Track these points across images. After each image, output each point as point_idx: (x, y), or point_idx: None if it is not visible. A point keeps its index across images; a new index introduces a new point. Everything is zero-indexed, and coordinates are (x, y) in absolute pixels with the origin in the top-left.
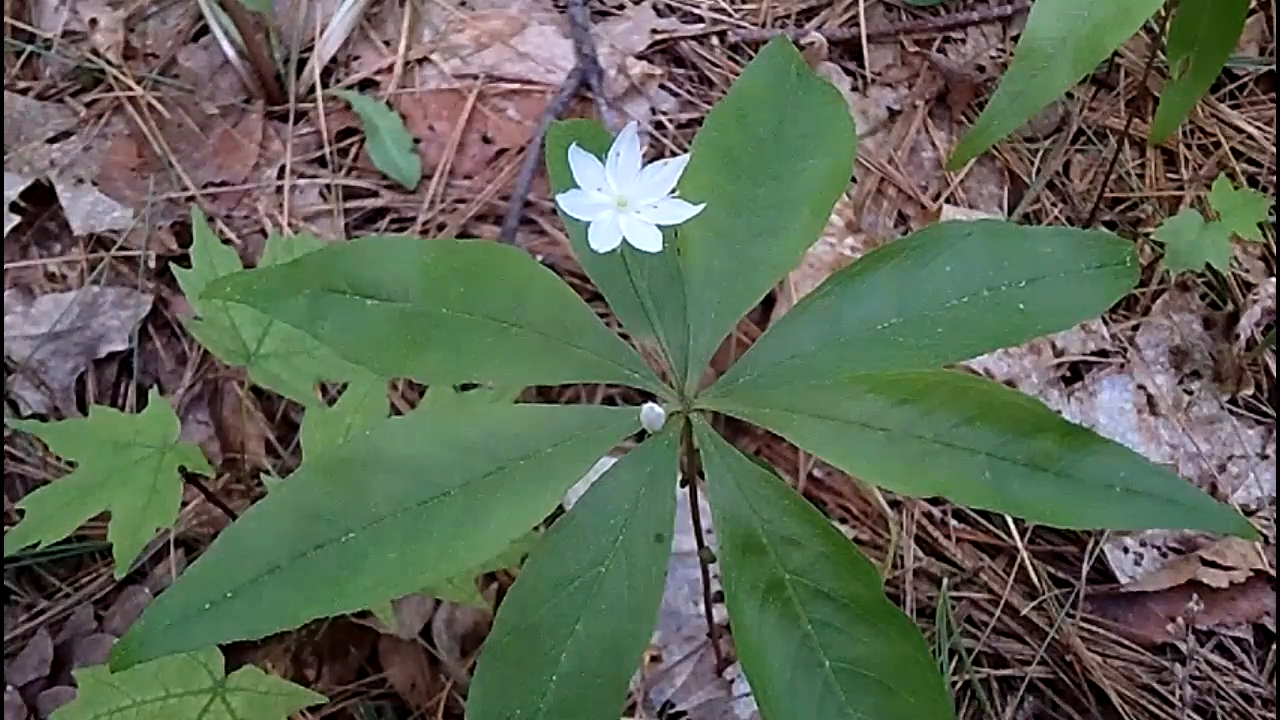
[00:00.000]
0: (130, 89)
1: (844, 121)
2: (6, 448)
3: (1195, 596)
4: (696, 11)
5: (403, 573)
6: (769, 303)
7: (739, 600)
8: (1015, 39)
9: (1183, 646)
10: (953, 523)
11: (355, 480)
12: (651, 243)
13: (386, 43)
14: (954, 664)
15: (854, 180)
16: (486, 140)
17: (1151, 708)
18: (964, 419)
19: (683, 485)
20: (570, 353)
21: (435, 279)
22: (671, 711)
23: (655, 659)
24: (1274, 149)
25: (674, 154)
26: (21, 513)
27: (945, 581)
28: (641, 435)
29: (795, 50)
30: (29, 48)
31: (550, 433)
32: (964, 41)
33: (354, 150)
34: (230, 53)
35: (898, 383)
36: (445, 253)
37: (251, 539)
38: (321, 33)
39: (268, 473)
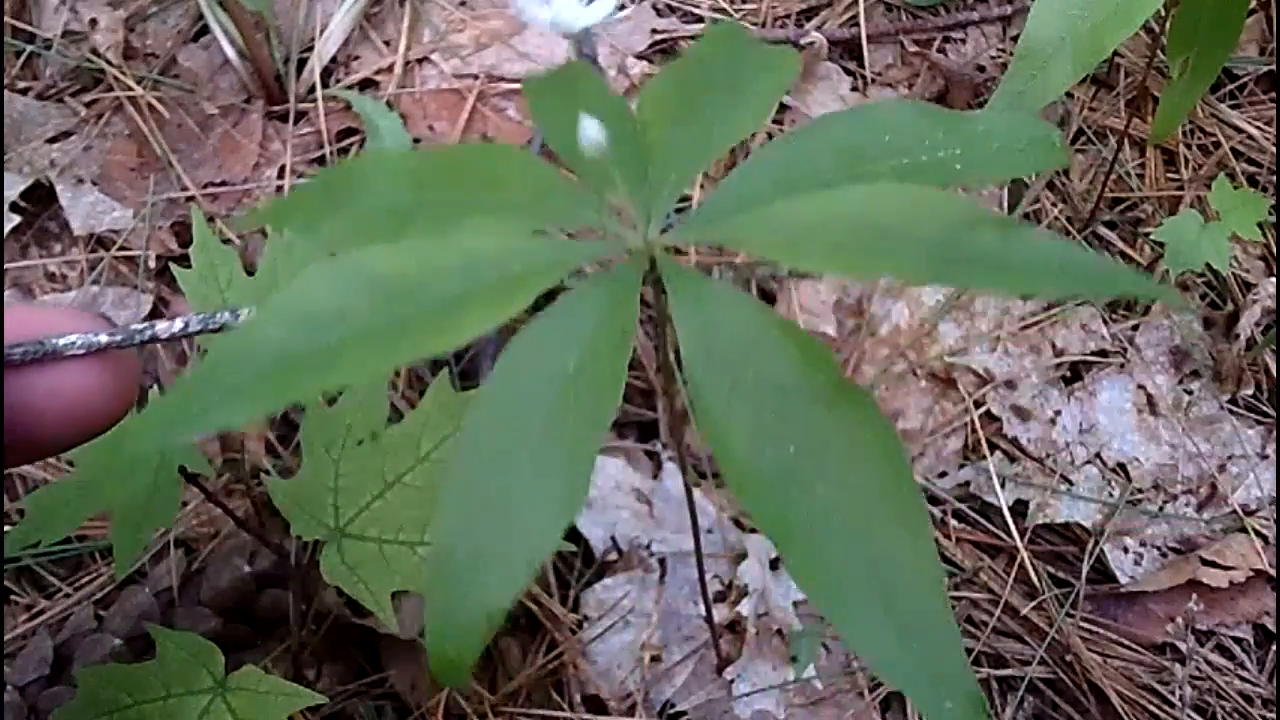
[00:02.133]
0: (130, 89)
1: (790, 56)
2: None
3: (1195, 596)
4: (696, 11)
5: (383, 352)
6: None
7: (704, 392)
8: (1015, 39)
9: (1183, 646)
10: (953, 523)
11: (340, 289)
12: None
13: (386, 43)
14: None
15: None
16: (486, 140)
17: (1151, 708)
18: (912, 219)
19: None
20: (542, 206)
21: (422, 177)
22: (671, 711)
23: (655, 659)
24: (1274, 149)
25: None
26: (21, 512)
27: (945, 581)
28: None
29: (741, 25)
30: (29, 48)
31: (522, 257)
32: (964, 41)
33: (354, 150)
34: (230, 53)
35: (848, 197)
36: (433, 157)
37: (245, 346)
38: (321, 33)
39: (268, 472)
